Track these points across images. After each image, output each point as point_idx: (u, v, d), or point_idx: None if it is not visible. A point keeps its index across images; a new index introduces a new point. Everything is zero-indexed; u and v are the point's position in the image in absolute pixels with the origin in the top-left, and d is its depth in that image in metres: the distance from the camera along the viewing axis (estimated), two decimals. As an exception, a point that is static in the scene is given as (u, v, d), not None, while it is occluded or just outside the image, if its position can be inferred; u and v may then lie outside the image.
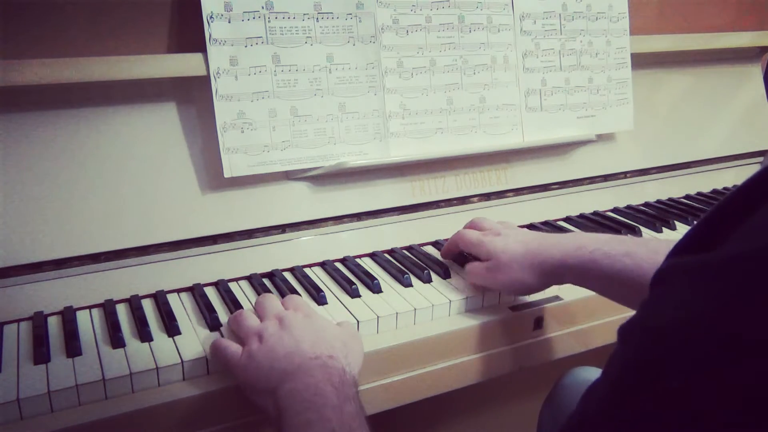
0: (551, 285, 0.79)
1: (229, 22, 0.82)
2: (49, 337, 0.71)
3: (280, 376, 0.60)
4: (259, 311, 0.70)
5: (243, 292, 0.82)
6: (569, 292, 0.84)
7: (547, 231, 1.01)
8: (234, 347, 0.66)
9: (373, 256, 0.93)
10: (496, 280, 0.78)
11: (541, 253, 0.75)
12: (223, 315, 0.76)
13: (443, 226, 0.90)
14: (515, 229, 0.85)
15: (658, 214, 1.10)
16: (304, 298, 0.77)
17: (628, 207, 1.14)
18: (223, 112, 0.82)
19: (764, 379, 0.31)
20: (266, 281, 0.84)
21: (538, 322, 0.83)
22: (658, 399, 0.34)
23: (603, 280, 0.72)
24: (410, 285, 0.83)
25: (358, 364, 0.66)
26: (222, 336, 0.71)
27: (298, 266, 0.88)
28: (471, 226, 0.87)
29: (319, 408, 0.56)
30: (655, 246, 0.71)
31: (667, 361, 0.34)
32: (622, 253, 0.70)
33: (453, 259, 0.89)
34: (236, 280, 0.85)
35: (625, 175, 1.18)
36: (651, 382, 0.34)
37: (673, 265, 0.38)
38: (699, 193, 1.23)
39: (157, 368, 0.66)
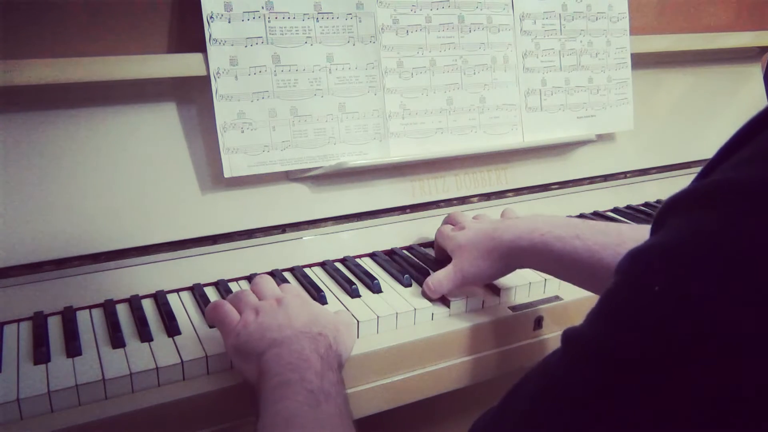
0: (511, 268, 0.80)
1: (229, 22, 0.82)
2: (49, 337, 0.71)
3: (269, 343, 0.61)
4: (257, 292, 0.71)
5: (243, 292, 0.82)
6: (569, 292, 0.84)
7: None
8: (233, 314, 0.67)
9: (373, 256, 0.93)
10: (465, 277, 0.78)
11: (495, 238, 0.77)
12: (223, 315, 0.76)
13: (443, 226, 0.91)
14: (483, 221, 0.85)
15: (658, 214, 1.10)
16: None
17: (628, 207, 1.14)
18: (223, 112, 0.82)
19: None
20: (266, 281, 0.84)
21: (538, 322, 0.83)
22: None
23: (555, 262, 0.74)
24: (410, 285, 0.84)
25: (347, 351, 0.67)
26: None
27: (298, 266, 0.88)
28: (447, 221, 0.90)
29: (301, 370, 0.57)
30: (604, 228, 0.73)
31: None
32: (572, 235, 0.72)
33: (445, 257, 0.89)
34: (236, 280, 0.85)
35: (625, 175, 1.18)
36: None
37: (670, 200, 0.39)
38: (699, 193, 1.23)
39: (157, 368, 0.66)
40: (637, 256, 0.38)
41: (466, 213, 0.92)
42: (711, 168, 0.38)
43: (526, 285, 0.84)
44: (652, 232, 0.39)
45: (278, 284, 0.72)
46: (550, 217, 0.79)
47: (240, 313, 0.67)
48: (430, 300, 0.80)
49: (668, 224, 0.37)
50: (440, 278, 0.79)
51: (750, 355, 0.31)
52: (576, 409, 0.37)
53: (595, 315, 0.39)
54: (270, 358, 0.60)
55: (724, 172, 0.36)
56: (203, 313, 0.76)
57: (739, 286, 0.32)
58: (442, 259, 0.88)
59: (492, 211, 0.99)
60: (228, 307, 0.68)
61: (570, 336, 0.40)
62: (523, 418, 0.40)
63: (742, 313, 0.32)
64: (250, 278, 0.85)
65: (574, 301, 0.84)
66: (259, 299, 0.69)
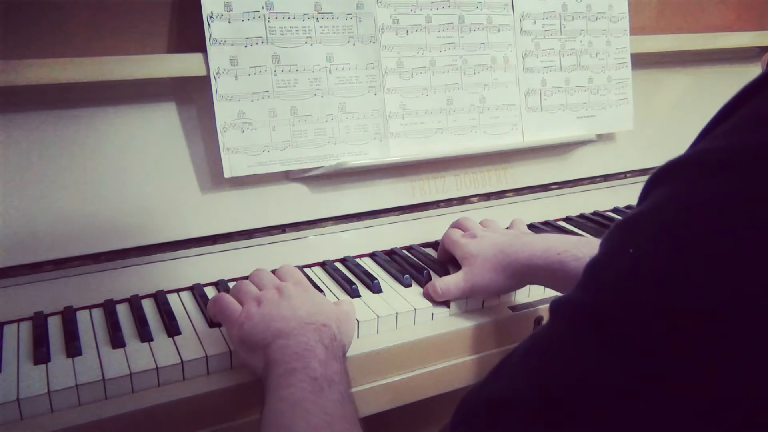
0: (523, 285, 0.81)
1: (229, 22, 0.82)
2: (49, 337, 0.71)
3: (275, 334, 0.62)
4: (255, 283, 0.71)
5: (243, 292, 0.82)
6: (569, 292, 0.84)
7: (546, 231, 1.01)
8: (236, 305, 0.68)
9: (373, 256, 0.93)
10: (474, 288, 0.78)
11: (510, 254, 0.77)
12: (223, 315, 0.76)
13: (443, 226, 0.90)
14: (494, 230, 0.85)
15: (658, 214, 1.10)
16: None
17: (628, 207, 1.14)
18: (223, 112, 0.82)
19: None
20: (266, 281, 0.84)
21: (538, 322, 0.83)
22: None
23: (570, 281, 0.73)
24: (410, 285, 0.83)
25: (348, 340, 0.68)
26: (222, 335, 0.72)
27: (298, 266, 0.88)
28: (455, 226, 0.89)
29: (306, 359, 0.58)
30: None
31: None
32: (589, 256, 0.71)
33: (448, 259, 0.89)
34: (236, 280, 0.85)
35: (625, 175, 1.18)
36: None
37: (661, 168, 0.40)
38: (699, 193, 1.23)
39: (157, 368, 0.66)
40: (621, 225, 0.39)
41: (467, 214, 0.92)
42: (699, 140, 0.39)
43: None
44: (639, 203, 0.40)
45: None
46: (564, 236, 0.79)
47: (242, 304, 0.67)
48: (431, 300, 0.80)
49: (653, 194, 0.38)
50: (449, 285, 0.79)
51: (732, 324, 0.32)
52: (562, 374, 0.37)
53: (580, 284, 0.39)
54: (276, 350, 0.60)
55: (708, 142, 0.37)
56: (203, 313, 0.76)
57: (717, 250, 0.32)
58: (445, 261, 0.88)
59: (492, 211, 0.99)
60: (229, 299, 0.68)
61: (556, 305, 0.40)
62: (510, 387, 0.40)
63: (721, 276, 0.32)
64: (250, 278, 0.85)
65: (574, 301, 0.84)
66: (259, 290, 0.70)
